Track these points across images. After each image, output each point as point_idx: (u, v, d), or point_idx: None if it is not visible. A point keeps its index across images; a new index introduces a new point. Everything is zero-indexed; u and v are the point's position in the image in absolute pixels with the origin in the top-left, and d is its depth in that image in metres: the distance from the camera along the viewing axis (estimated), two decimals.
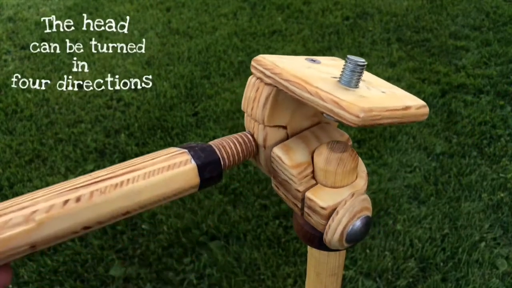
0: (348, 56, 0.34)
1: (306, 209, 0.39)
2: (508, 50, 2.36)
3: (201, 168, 0.35)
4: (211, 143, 0.38)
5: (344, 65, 0.34)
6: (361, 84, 0.35)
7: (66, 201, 0.30)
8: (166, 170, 0.34)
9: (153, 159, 0.34)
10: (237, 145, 0.39)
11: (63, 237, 0.31)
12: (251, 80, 0.39)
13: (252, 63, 0.38)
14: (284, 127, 0.40)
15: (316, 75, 0.35)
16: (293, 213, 0.42)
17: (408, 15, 2.73)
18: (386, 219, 1.52)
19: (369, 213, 0.38)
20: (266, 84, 0.37)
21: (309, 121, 0.42)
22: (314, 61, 0.39)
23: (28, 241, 0.29)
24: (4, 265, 0.29)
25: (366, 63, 0.34)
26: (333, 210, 0.37)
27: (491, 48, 2.39)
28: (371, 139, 1.84)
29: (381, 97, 0.34)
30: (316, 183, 0.38)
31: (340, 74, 0.35)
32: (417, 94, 2.08)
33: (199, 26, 2.74)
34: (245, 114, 0.40)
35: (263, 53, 2.61)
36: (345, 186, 0.38)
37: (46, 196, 0.30)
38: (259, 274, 1.37)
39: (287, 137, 0.40)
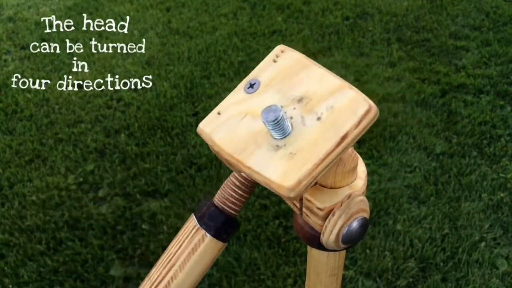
0: (262, 115, 0.33)
1: (304, 209, 0.39)
2: (508, 50, 2.36)
3: (216, 235, 0.40)
4: (215, 200, 0.41)
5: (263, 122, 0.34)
6: (295, 116, 0.34)
7: None
8: (192, 254, 0.40)
9: (180, 246, 0.41)
10: (237, 190, 0.41)
11: None
12: None
13: (197, 131, 0.39)
14: None
15: (251, 136, 0.35)
16: (293, 213, 0.43)
17: (408, 15, 2.73)
18: (386, 219, 1.52)
19: (366, 214, 0.38)
20: None
21: None
22: (252, 86, 0.37)
23: None
24: None
25: (280, 116, 0.33)
26: (330, 211, 0.37)
27: (491, 48, 2.39)
28: (371, 139, 1.84)
29: (315, 133, 0.33)
30: (315, 184, 0.38)
31: (268, 129, 0.35)
32: (417, 94, 2.09)
33: (199, 26, 2.74)
34: None
35: (263, 53, 2.61)
36: (344, 187, 0.38)
37: None
38: (259, 274, 1.37)
39: None
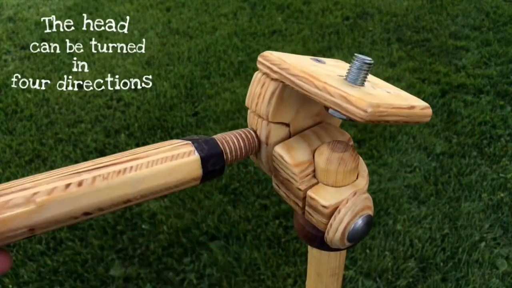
0: (356, 54, 0.34)
1: (307, 208, 0.39)
2: (508, 50, 2.36)
3: (204, 160, 0.35)
4: (214, 137, 0.38)
5: (351, 63, 0.34)
6: (366, 83, 0.35)
7: (68, 185, 0.30)
8: (169, 160, 0.34)
9: (157, 148, 0.34)
10: (240, 140, 0.39)
11: (62, 221, 0.30)
12: (257, 75, 0.38)
13: (259, 58, 0.38)
14: (287, 125, 0.40)
15: (323, 72, 0.35)
16: (293, 213, 0.43)
17: (408, 15, 2.73)
18: (386, 219, 1.52)
19: (370, 212, 0.38)
20: (273, 79, 0.37)
21: (311, 120, 0.42)
22: (319, 61, 0.39)
23: (27, 224, 0.28)
24: (1, 251, 0.28)
25: (372, 61, 0.34)
26: (335, 208, 0.37)
27: (491, 48, 2.39)
28: (371, 139, 1.84)
29: (387, 95, 0.35)
30: (318, 182, 0.38)
31: (347, 72, 0.35)
32: (417, 94, 2.08)
33: (199, 26, 2.74)
34: (249, 110, 0.40)
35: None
36: (347, 185, 0.38)
37: (49, 179, 0.29)
38: (259, 274, 1.37)
39: (289, 135, 0.41)
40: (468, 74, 2.21)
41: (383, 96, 0.34)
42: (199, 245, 1.46)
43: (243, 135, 0.39)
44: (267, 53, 0.37)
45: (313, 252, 0.44)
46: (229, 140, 0.38)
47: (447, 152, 1.78)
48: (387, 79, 2.20)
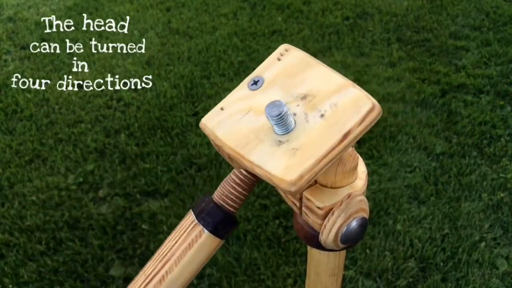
0: (266, 110, 0.33)
1: (304, 208, 0.39)
2: (508, 50, 2.36)
3: (214, 231, 0.40)
4: (214, 197, 0.41)
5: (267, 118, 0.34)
6: (299, 113, 0.35)
7: None
8: (189, 249, 0.40)
9: (176, 241, 0.40)
10: (236, 187, 0.41)
11: None
12: None
13: (200, 125, 0.39)
14: None
15: (254, 132, 0.35)
16: (293, 213, 0.43)
17: (408, 15, 2.73)
18: (386, 219, 1.52)
19: (365, 214, 0.38)
20: None
21: None
22: (256, 83, 0.38)
23: None
24: None
25: (284, 111, 0.33)
26: (330, 210, 0.37)
27: (491, 48, 2.39)
28: (371, 139, 1.84)
29: (318, 130, 0.33)
30: (315, 183, 0.38)
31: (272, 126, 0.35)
32: (417, 94, 2.08)
33: (199, 26, 2.74)
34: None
35: (263, 53, 2.60)
36: (344, 187, 0.38)
37: None
38: (259, 274, 1.37)
39: None
40: (468, 74, 2.21)
41: (312, 139, 0.33)
42: None
43: (237, 180, 0.40)
44: (202, 124, 0.38)
45: (312, 252, 0.44)
46: (227, 194, 0.40)
47: (447, 152, 1.78)
48: (387, 79, 2.20)
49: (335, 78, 0.36)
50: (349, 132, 0.33)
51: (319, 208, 0.37)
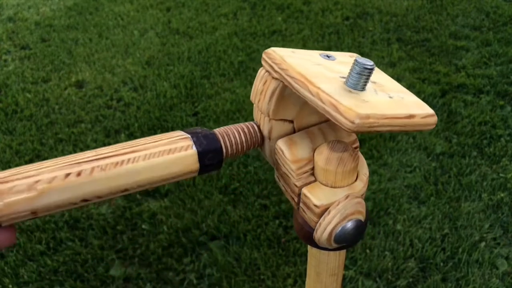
0: (357, 58, 0.34)
1: (301, 205, 0.39)
2: (508, 50, 2.36)
3: (201, 155, 0.36)
4: (216, 130, 0.38)
5: (352, 66, 0.34)
6: (369, 86, 0.35)
7: (67, 174, 0.32)
8: (166, 154, 0.35)
9: (156, 141, 0.36)
10: (242, 134, 0.39)
11: (63, 206, 0.32)
12: (260, 72, 0.39)
13: (263, 55, 0.37)
14: (291, 121, 0.40)
15: (324, 74, 0.35)
16: (293, 213, 0.43)
17: (408, 15, 2.73)
18: (386, 219, 1.52)
19: (361, 216, 0.38)
20: (274, 78, 0.37)
21: (317, 116, 0.41)
22: (328, 57, 0.39)
23: (29, 208, 0.31)
24: (8, 226, 0.32)
25: (374, 66, 0.34)
26: (326, 209, 0.37)
27: (491, 48, 2.39)
28: (371, 139, 1.84)
29: (386, 102, 0.34)
30: (315, 180, 0.39)
31: (348, 76, 0.34)
32: (417, 94, 2.08)
33: (199, 26, 2.74)
34: (254, 105, 0.40)
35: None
36: (344, 187, 0.38)
37: (51, 168, 0.32)
38: (259, 274, 1.37)
39: (294, 131, 0.41)
40: (468, 74, 2.21)
41: (380, 104, 0.33)
42: (199, 245, 1.46)
43: (245, 129, 0.39)
44: (271, 50, 0.37)
45: (312, 252, 0.44)
46: (230, 134, 0.38)
47: (447, 152, 1.78)
48: None
49: (398, 85, 0.38)
50: (414, 116, 0.33)
51: (316, 206, 0.37)
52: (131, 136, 1.92)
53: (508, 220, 1.51)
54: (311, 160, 0.38)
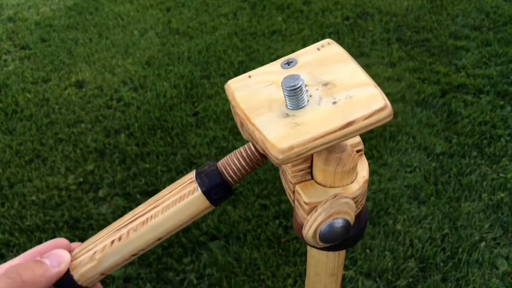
0: (283, 80, 0.34)
1: (295, 202, 0.40)
2: (508, 50, 2.36)
3: (207, 193, 0.41)
4: (219, 164, 0.42)
5: (282, 89, 0.35)
6: (315, 95, 0.35)
7: (112, 241, 0.42)
8: (178, 202, 0.41)
9: (171, 191, 0.42)
10: (241, 159, 0.41)
11: (120, 263, 0.42)
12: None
13: (225, 86, 0.40)
14: None
15: (270, 99, 0.36)
16: (293, 213, 0.43)
17: (408, 15, 2.73)
18: (386, 219, 1.52)
19: (348, 217, 0.38)
20: None
21: None
22: (289, 64, 0.39)
23: (96, 272, 0.42)
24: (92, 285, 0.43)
25: (299, 84, 0.34)
26: (315, 207, 0.37)
27: (491, 48, 2.39)
28: (371, 139, 1.84)
29: (325, 115, 0.34)
30: (311, 179, 0.39)
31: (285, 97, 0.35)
32: (417, 94, 2.09)
33: (199, 26, 2.74)
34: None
35: (263, 53, 2.59)
36: (337, 187, 0.38)
37: (102, 238, 0.42)
38: (259, 274, 1.37)
39: None
40: (468, 74, 2.21)
41: (316, 121, 0.34)
42: (199, 245, 1.46)
43: (244, 153, 0.42)
44: (227, 84, 0.39)
45: (312, 252, 0.44)
46: (230, 163, 0.42)
47: (447, 152, 1.78)
48: (387, 79, 2.20)
49: (360, 76, 0.37)
50: (353, 122, 0.33)
51: (305, 203, 0.38)
52: (131, 136, 1.92)
53: (508, 220, 1.51)
54: (308, 158, 0.39)
